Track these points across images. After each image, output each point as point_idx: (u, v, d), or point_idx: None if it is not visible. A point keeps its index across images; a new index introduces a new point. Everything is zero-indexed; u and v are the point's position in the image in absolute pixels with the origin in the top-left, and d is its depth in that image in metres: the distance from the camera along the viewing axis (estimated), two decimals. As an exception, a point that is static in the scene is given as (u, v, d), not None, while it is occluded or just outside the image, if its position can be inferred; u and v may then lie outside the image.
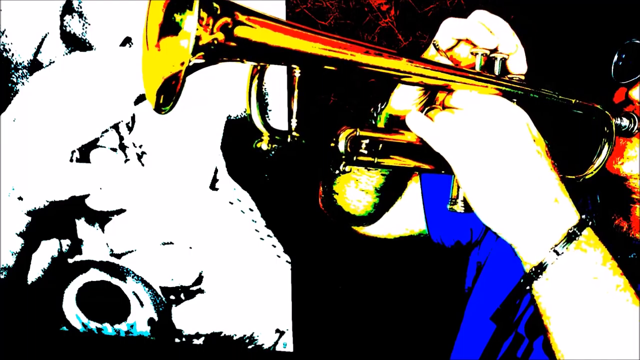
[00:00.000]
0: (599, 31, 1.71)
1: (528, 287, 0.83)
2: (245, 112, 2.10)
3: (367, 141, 0.80)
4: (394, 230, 1.40)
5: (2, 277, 2.39)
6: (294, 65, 0.69)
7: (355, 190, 1.24)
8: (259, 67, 0.69)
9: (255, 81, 0.69)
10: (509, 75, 0.90)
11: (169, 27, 0.61)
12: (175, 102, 0.59)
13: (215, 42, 0.58)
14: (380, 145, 0.83)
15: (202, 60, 0.59)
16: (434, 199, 1.33)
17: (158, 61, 0.62)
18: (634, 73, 1.08)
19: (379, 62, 0.74)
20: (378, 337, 2.22)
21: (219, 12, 0.57)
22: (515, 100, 0.87)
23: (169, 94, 0.60)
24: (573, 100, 0.98)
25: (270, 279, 2.23)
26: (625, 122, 1.05)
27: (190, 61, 0.57)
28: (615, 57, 1.12)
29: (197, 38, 0.56)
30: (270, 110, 1.99)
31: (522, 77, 0.91)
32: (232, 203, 2.19)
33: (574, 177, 1.03)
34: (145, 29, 0.63)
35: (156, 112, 0.60)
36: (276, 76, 1.95)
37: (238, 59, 0.64)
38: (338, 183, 1.26)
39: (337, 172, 0.77)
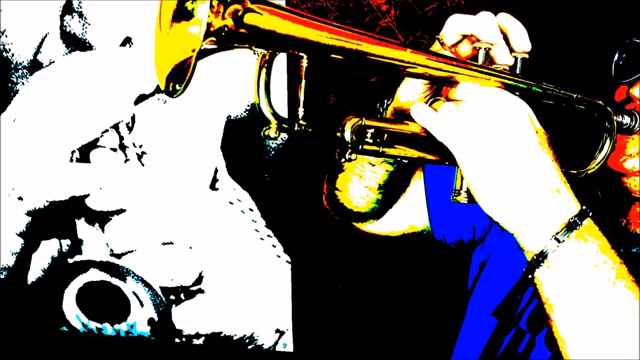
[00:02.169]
0: (599, 30, 1.72)
1: (530, 276, 0.84)
2: (245, 111, 2.11)
3: (372, 130, 0.82)
4: (397, 228, 1.41)
5: (2, 277, 2.39)
6: (301, 54, 0.71)
7: (359, 186, 1.24)
8: (267, 57, 0.70)
9: (264, 70, 0.70)
10: (513, 53, 0.91)
11: (182, 14, 0.62)
12: (186, 86, 0.60)
13: (226, 28, 0.59)
14: (385, 135, 0.84)
15: (214, 46, 0.60)
16: (437, 196, 1.34)
17: (170, 47, 0.63)
18: (634, 72, 1.09)
19: (384, 52, 0.76)
20: (378, 336, 2.22)
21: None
22: (517, 93, 0.88)
23: (179, 78, 0.61)
24: (575, 95, 1.00)
25: (270, 279, 2.23)
26: (626, 119, 1.06)
27: (201, 46, 0.58)
28: (616, 56, 1.13)
29: (209, 24, 0.58)
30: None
31: (527, 56, 0.92)
32: (232, 203, 2.19)
33: (575, 172, 1.04)
34: (158, 14, 0.64)
35: (167, 95, 0.61)
36: (274, 75, 1.95)
37: (247, 46, 0.65)
38: (341, 179, 1.27)
39: (343, 160, 0.79)
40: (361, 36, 0.72)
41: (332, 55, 0.70)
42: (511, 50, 0.91)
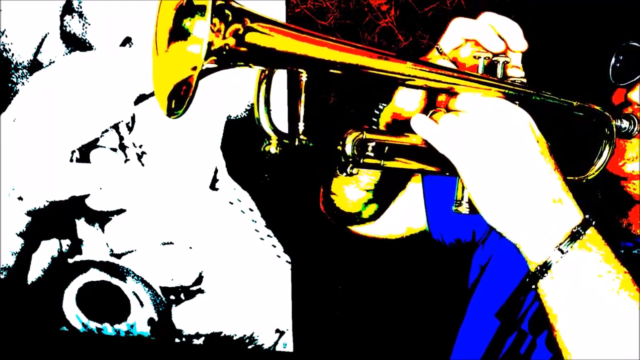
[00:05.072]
0: (596, 33, 1.71)
1: (533, 287, 0.84)
2: (245, 111, 2.10)
3: (373, 144, 0.81)
4: (395, 230, 1.41)
5: (2, 277, 2.39)
6: (300, 70, 0.70)
7: (354, 189, 1.24)
8: (266, 72, 0.70)
9: (264, 86, 0.70)
10: (511, 78, 0.91)
11: (179, 33, 0.62)
12: (187, 106, 0.60)
13: (227, 47, 0.59)
14: (386, 148, 0.84)
15: (214, 65, 0.60)
16: (436, 197, 1.34)
17: (169, 66, 0.63)
18: (632, 75, 1.09)
19: (384, 66, 0.75)
20: (378, 336, 2.22)
21: (230, 18, 0.58)
22: (517, 102, 0.88)
23: (180, 98, 0.61)
24: (574, 103, 0.99)
25: (270, 279, 2.23)
26: (625, 123, 1.06)
27: (202, 66, 0.58)
28: (613, 59, 1.13)
29: (210, 44, 0.57)
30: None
31: (524, 80, 0.92)
32: (232, 203, 2.19)
33: (576, 178, 1.03)
34: (154, 34, 0.64)
35: (168, 116, 0.61)
36: (274, 87, 1.94)
37: (248, 64, 0.65)
38: (336, 183, 1.27)
39: (344, 174, 0.78)
40: (361, 51, 0.72)
41: (332, 70, 0.70)
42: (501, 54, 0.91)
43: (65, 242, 2.33)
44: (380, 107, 1.05)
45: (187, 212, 2.23)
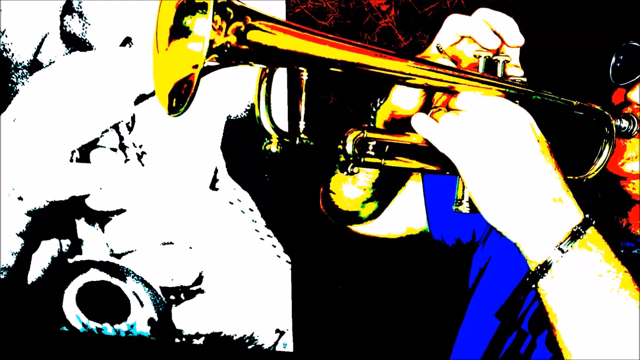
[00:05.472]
0: (596, 33, 1.71)
1: (534, 286, 0.84)
2: (245, 111, 2.10)
3: (373, 143, 0.81)
4: (395, 229, 1.41)
5: (2, 277, 2.39)
6: (301, 68, 0.70)
7: (353, 187, 1.24)
8: (267, 71, 0.70)
9: (264, 84, 0.70)
10: (511, 77, 0.91)
11: (180, 31, 0.62)
12: (189, 104, 0.60)
13: (228, 45, 0.59)
14: (387, 147, 0.84)
15: (216, 63, 0.60)
16: (436, 197, 1.34)
17: (169, 64, 0.63)
18: (632, 75, 1.09)
19: (385, 65, 0.75)
20: (378, 336, 2.22)
21: (231, 16, 0.58)
22: (517, 101, 0.88)
23: (181, 96, 0.61)
24: (575, 102, 0.99)
25: (270, 279, 2.23)
26: (624, 123, 1.06)
27: (204, 63, 0.58)
28: (613, 59, 1.13)
29: (211, 42, 0.57)
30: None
31: (524, 79, 0.92)
32: (232, 203, 2.19)
33: (576, 178, 1.04)
34: (155, 32, 0.64)
35: (169, 114, 0.61)
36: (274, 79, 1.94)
37: (249, 62, 0.65)
38: (335, 181, 1.27)
39: (345, 173, 0.78)
40: (362, 49, 0.72)
41: (332, 69, 0.70)
42: (498, 53, 0.91)
43: (65, 242, 2.33)
44: (378, 104, 1.05)
45: (187, 212, 2.23)
